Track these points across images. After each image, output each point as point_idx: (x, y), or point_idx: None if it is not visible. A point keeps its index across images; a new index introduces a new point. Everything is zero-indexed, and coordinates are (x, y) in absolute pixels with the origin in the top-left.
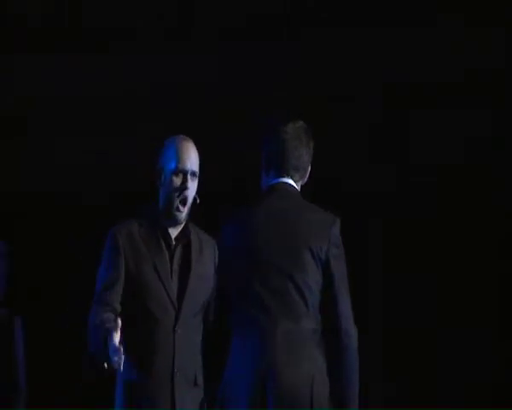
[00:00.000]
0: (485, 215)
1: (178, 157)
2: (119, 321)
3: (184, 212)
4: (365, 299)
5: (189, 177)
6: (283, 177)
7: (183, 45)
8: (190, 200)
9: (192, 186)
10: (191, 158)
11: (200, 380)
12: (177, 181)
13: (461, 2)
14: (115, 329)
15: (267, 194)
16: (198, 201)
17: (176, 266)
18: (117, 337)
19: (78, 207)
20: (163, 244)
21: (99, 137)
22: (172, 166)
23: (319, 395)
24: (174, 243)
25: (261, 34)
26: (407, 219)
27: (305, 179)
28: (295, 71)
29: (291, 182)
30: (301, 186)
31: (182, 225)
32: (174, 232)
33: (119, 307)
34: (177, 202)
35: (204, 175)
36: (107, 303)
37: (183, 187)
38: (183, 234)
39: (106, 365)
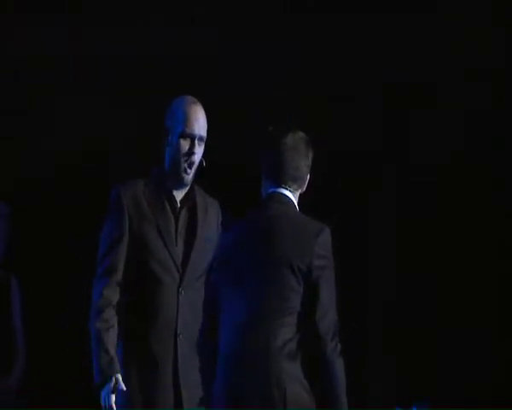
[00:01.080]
0: (485, 215)
1: (187, 121)
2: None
3: (191, 174)
4: (365, 299)
5: (196, 142)
6: (281, 187)
7: (182, 45)
8: (197, 163)
9: (199, 151)
10: (199, 122)
11: None
12: (185, 145)
13: (461, 2)
14: (118, 383)
15: (263, 204)
16: (204, 164)
17: (181, 229)
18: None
19: (78, 207)
20: (168, 207)
21: (99, 137)
22: (180, 129)
23: (294, 395)
24: (179, 205)
25: (261, 34)
26: (407, 219)
27: (304, 188)
28: (295, 71)
29: (287, 192)
30: (300, 194)
31: (187, 188)
32: (179, 195)
33: (121, 268)
34: (183, 165)
35: (204, 175)
36: (113, 268)
37: (190, 152)
38: (189, 197)
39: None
